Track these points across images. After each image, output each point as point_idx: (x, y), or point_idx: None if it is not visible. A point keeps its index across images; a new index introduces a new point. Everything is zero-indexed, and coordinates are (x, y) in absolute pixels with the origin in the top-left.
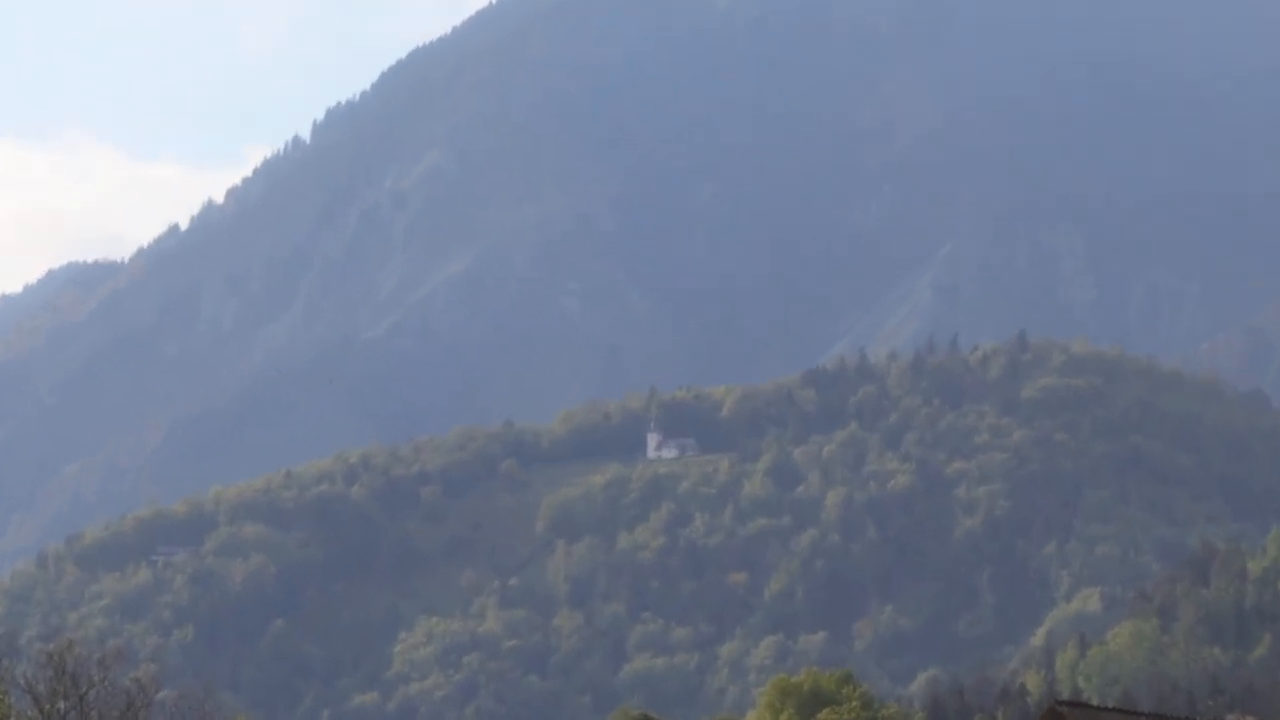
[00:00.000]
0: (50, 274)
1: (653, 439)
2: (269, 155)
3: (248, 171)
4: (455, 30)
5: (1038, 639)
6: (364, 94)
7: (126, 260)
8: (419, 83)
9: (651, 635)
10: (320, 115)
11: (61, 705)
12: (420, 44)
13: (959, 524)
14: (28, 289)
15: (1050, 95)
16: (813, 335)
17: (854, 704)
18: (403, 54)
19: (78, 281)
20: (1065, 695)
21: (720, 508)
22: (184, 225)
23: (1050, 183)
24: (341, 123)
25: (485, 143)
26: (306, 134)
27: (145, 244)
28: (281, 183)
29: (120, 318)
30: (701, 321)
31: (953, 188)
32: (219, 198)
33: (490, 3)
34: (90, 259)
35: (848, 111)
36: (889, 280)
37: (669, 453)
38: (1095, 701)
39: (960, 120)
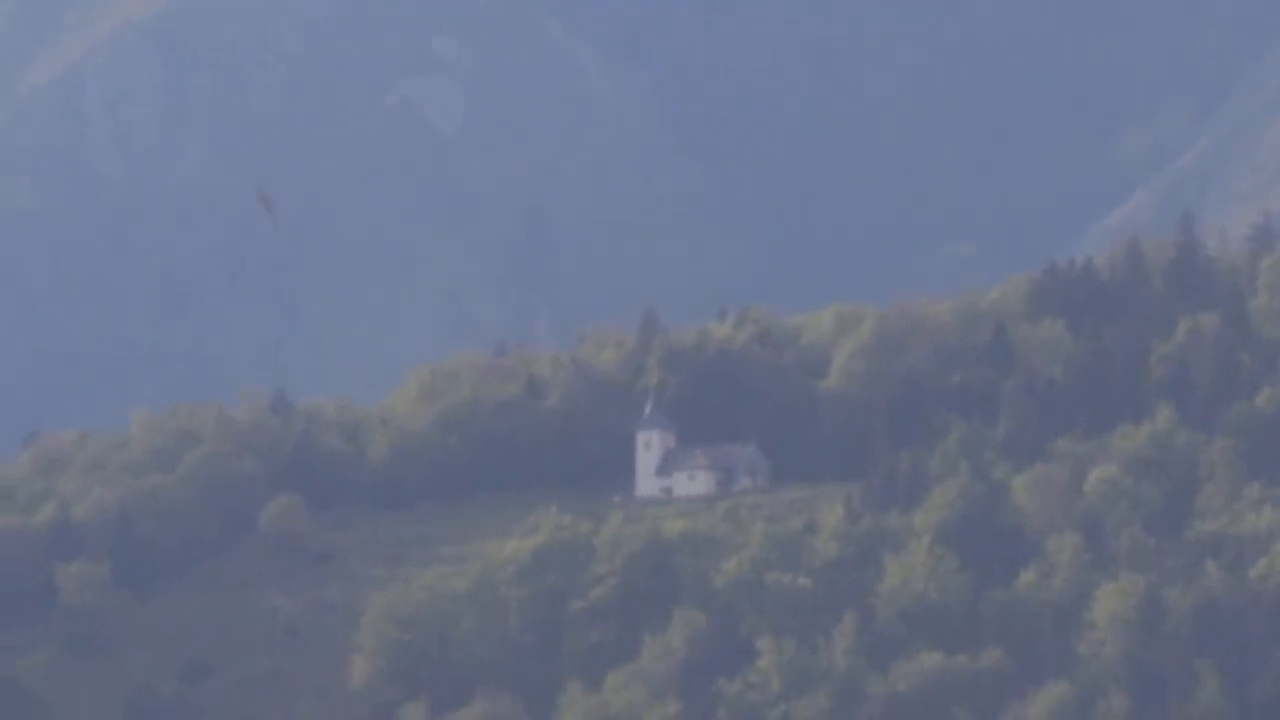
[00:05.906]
0: None
1: (649, 444)
2: None
3: None
4: None
5: None
6: None
7: None
8: None
9: None
10: None
11: None
12: None
13: None
14: None
15: None
16: (1056, 177)
17: None
18: None
19: None
20: None
21: (822, 624)
22: None
23: None
24: None
25: None
26: None
27: None
28: None
29: None
30: (754, 136)
31: None
32: None
33: None
34: None
35: None
36: (1243, 42)
37: (693, 483)
38: None
39: None
